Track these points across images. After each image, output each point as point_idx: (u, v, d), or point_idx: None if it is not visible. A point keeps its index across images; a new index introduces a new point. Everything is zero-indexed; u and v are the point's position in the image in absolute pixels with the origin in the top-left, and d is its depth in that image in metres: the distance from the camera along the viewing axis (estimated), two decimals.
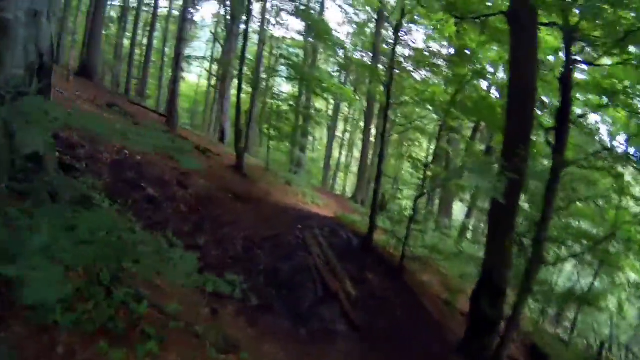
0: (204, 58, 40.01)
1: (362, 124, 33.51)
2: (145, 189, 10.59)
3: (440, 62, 20.94)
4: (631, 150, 13.99)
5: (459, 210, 30.78)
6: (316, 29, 23.39)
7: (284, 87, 31.68)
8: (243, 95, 22.48)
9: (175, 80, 17.13)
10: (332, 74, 36.44)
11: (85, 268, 4.79)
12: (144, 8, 34.53)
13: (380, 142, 15.41)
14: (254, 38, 29.93)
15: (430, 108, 16.89)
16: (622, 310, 17.99)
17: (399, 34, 17.00)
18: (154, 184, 11.10)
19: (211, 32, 39.17)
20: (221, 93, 27.33)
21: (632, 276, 16.46)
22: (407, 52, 25.51)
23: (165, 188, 11.35)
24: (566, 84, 8.67)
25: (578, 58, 8.97)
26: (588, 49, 9.48)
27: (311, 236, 12.54)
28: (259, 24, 29.06)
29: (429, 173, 14.04)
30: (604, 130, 15.89)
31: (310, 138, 44.48)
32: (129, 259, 4.70)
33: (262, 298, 9.17)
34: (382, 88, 17.25)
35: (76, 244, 3.78)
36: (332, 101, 38.76)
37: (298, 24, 41.66)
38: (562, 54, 10.11)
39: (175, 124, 20.23)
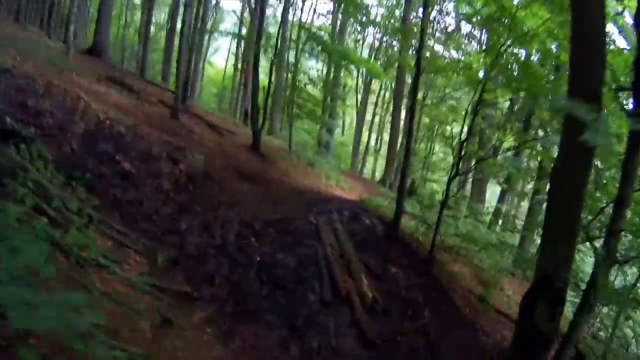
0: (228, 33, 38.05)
1: (391, 107, 31.13)
2: (120, 162, 8.67)
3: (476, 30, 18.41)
4: None
5: (490, 195, 28.38)
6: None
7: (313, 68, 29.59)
8: (262, 76, 20.73)
9: (181, 53, 15.12)
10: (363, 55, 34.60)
11: None
12: None
13: (409, 117, 13.15)
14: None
15: (465, 80, 14.53)
16: None
17: None
18: (136, 158, 9.21)
19: (234, 12, 37.45)
20: (246, 75, 25.22)
21: None
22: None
23: (150, 163, 9.45)
24: None
25: None
26: None
27: (326, 221, 10.49)
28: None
29: (463, 152, 11.78)
30: None
31: (340, 122, 42.68)
32: None
33: (248, 301, 7.17)
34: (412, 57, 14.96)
35: None
36: (360, 82, 36.67)
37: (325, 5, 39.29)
38: None
39: (182, 101, 18.36)
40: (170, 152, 10.56)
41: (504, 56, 11.94)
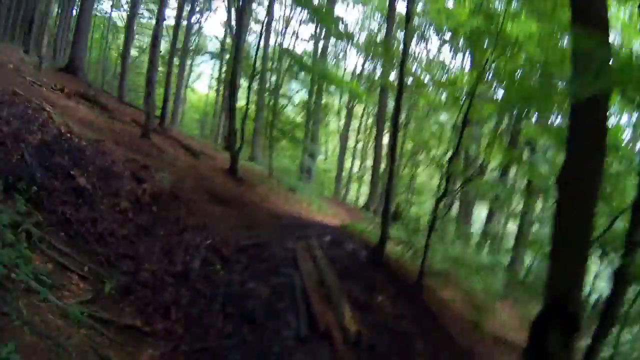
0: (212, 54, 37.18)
1: (374, 132, 30.43)
2: (76, 178, 7.64)
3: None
4: None
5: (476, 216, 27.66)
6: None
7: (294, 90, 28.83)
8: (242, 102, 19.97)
9: (150, 78, 14.23)
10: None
11: None
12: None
13: (392, 137, 12.36)
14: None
15: (449, 97, 13.82)
16: None
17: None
18: (94, 174, 8.16)
19: (216, 37, 36.99)
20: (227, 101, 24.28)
21: None
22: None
23: (110, 180, 8.42)
24: None
25: None
26: None
27: (305, 247, 9.53)
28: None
29: (450, 171, 10.95)
30: None
31: (323, 148, 41.90)
32: None
33: (209, 337, 6.06)
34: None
35: None
36: (342, 107, 36.07)
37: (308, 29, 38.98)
38: None
39: (160, 123, 17.46)
40: (135, 170, 9.58)
41: (490, 70, 11.29)
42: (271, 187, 18.08)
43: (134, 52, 33.20)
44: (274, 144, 21.72)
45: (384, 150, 27.41)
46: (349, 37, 25.27)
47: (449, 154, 10.95)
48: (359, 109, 36.45)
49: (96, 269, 6.33)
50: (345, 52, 35.08)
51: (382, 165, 26.28)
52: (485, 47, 11.32)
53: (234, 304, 6.75)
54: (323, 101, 28.33)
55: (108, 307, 5.65)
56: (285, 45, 28.64)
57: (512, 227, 19.21)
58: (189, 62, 36.39)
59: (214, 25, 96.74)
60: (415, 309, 9.40)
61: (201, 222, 9.11)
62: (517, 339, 10.79)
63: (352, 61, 58.79)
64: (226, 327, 6.27)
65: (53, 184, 7.16)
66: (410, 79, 21.33)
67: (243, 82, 23.13)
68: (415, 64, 24.15)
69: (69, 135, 8.83)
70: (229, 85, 17.21)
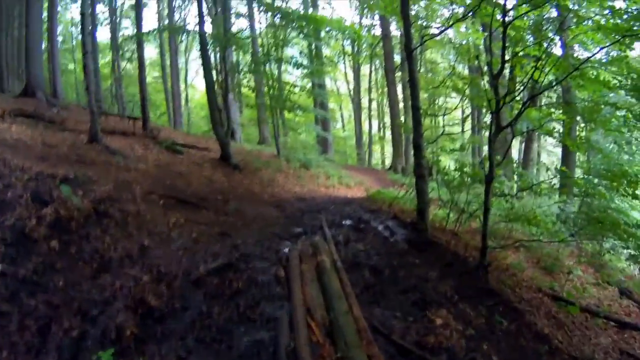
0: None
1: (386, 89, 26.02)
2: None
3: None
4: None
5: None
6: None
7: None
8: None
9: (86, 66, 10.15)
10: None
11: None
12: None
13: (410, 76, 8.17)
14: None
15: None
16: None
17: None
18: None
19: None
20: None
21: None
22: None
23: None
24: None
25: None
26: None
27: (307, 251, 5.65)
28: None
29: (498, 95, 6.77)
30: None
31: (338, 116, 37.65)
32: None
33: None
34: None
35: None
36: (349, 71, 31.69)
37: None
38: None
39: (143, 126, 13.78)
40: (44, 190, 5.79)
41: None
42: (278, 168, 14.23)
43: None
44: (278, 118, 17.74)
45: (400, 103, 23.28)
46: None
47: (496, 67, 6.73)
48: (365, 68, 32.06)
49: None
50: None
51: (402, 117, 22.11)
52: None
53: None
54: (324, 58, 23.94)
55: None
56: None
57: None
58: (182, 59, 32.51)
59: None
60: (488, 311, 5.47)
61: (136, 247, 5.32)
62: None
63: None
64: None
65: None
66: None
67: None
68: None
69: None
70: (203, 65, 13.27)
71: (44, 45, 18.49)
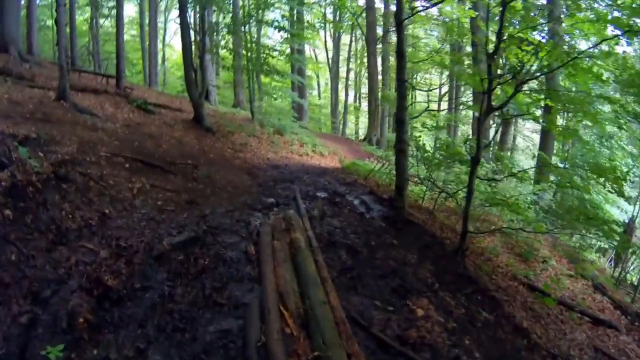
0: None
1: (365, 59, 25.30)
2: None
3: None
4: None
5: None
6: None
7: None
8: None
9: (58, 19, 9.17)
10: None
11: None
12: None
13: (398, 43, 7.58)
14: None
15: None
16: None
17: None
18: None
19: None
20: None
21: None
22: None
23: None
24: None
25: None
26: None
27: (279, 226, 5.18)
28: None
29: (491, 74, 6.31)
30: None
31: (314, 84, 36.76)
32: None
33: None
34: None
35: None
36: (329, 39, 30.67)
37: None
38: None
39: (117, 84, 12.84)
40: (0, 152, 5.08)
41: None
42: (252, 132, 13.58)
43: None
44: (254, 82, 16.98)
45: (379, 75, 22.70)
46: None
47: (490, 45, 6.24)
48: (346, 38, 31.09)
49: None
50: None
51: (379, 89, 21.56)
52: None
53: None
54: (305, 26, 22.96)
55: None
56: None
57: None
58: (161, 18, 30.87)
59: None
60: (467, 299, 5.16)
61: (97, 217, 4.73)
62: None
63: None
64: None
65: None
66: None
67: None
68: None
69: None
70: (180, 24, 12.33)
71: (23, 1, 17.12)
